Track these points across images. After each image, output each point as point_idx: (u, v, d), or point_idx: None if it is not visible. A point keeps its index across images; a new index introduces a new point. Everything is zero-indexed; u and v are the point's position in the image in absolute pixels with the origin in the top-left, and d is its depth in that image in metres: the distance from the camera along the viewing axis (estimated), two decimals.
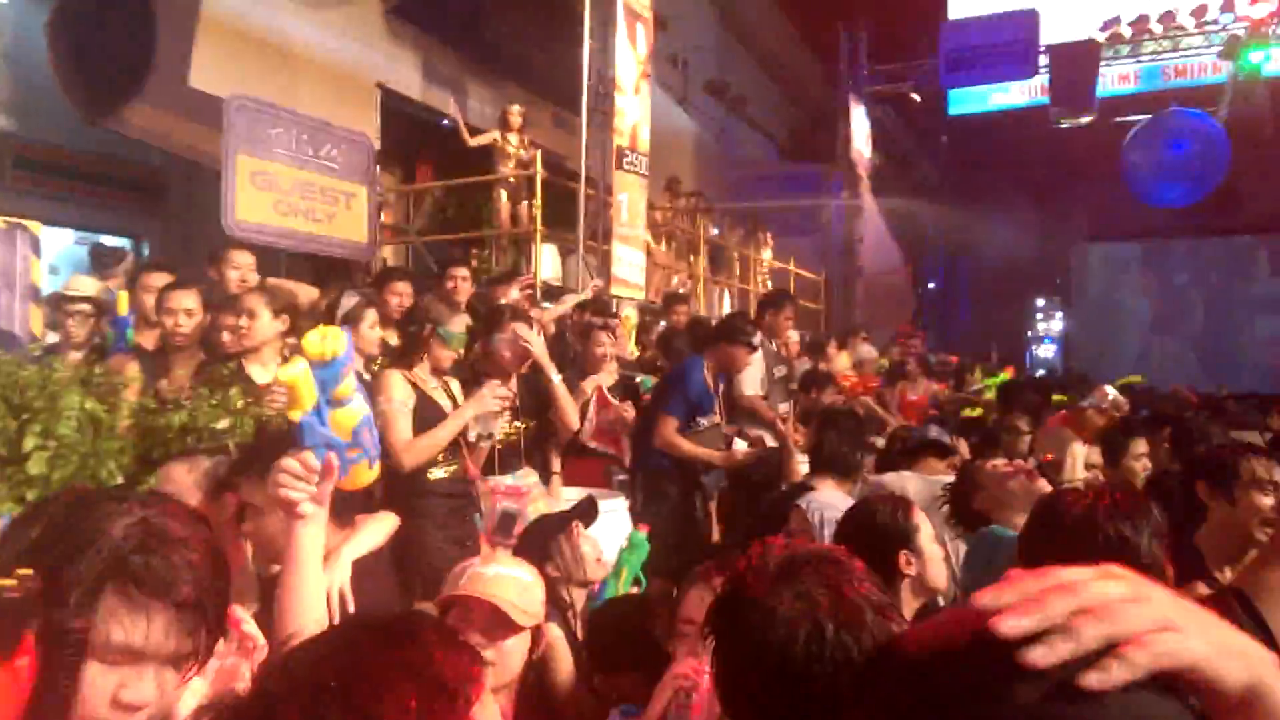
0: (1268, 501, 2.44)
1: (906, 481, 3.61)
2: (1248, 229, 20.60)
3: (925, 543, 2.33)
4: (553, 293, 8.19)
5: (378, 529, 2.52)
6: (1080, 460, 3.77)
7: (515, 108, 8.26)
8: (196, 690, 1.16)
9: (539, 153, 8.09)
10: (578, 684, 2.17)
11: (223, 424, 2.82)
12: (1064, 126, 14.47)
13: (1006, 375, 9.05)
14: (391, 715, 0.72)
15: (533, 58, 9.82)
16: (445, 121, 9.62)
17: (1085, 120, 13.71)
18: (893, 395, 8.08)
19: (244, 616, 1.34)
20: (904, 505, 2.36)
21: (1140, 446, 3.79)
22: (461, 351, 3.50)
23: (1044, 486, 2.69)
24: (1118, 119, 14.01)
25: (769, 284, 12.63)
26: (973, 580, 2.59)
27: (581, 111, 8.23)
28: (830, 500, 2.97)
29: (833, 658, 1.05)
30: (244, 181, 6.16)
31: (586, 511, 2.82)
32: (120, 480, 2.56)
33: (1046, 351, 29.86)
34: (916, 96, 15.81)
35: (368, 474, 1.51)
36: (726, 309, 11.88)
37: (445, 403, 3.37)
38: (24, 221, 5.71)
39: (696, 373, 4.55)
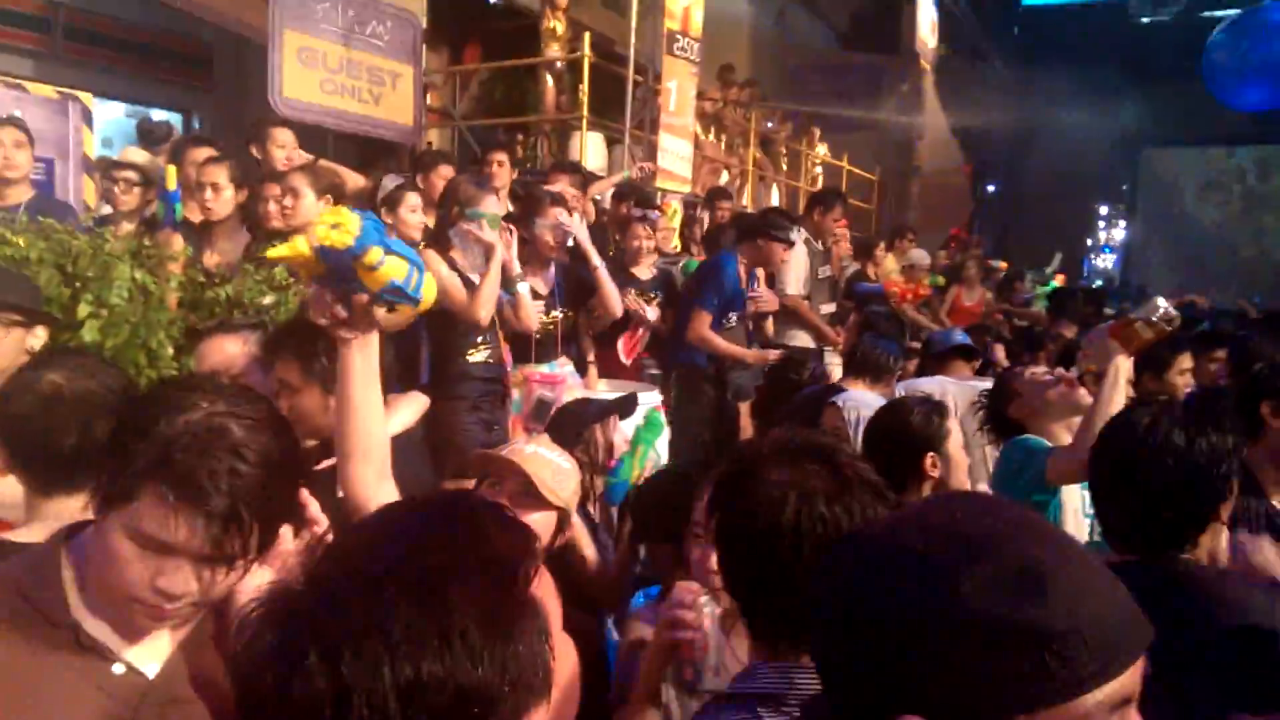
0: None
1: (946, 386, 3.60)
2: None
3: (953, 449, 2.34)
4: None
5: (409, 409, 2.60)
6: (1123, 374, 3.71)
7: None
8: (263, 577, 1.19)
9: (587, 35, 7.85)
10: (596, 571, 2.24)
11: (268, 299, 2.88)
12: (1145, 22, 13.64)
13: (1057, 283, 8.84)
14: (458, 599, 0.70)
15: None
16: (492, 1, 9.38)
17: (1168, 16, 12.86)
18: (941, 301, 7.96)
19: (309, 500, 1.34)
20: (938, 409, 2.37)
21: (1185, 362, 3.71)
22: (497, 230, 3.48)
23: (1084, 397, 2.66)
24: (1203, 13, 13.14)
25: (820, 181, 12.33)
26: (1000, 489, 2.61)
27: None
28: (865, 399, 2.98)
29: (821, 528, 1.05)
30: (291, 58, 6.10)
31: (626, 406, 2.87)
32: (170, 350, 2.64)
33: (1105, 261, 29.03)
34: None
35: (411, 313, 1.61)
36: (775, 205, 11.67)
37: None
38: (76, 92, 5.77)
39: (730, 267, 4.53)
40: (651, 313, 4.58)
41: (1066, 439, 2.59)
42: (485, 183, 3.66)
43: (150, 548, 1.07)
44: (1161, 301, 3.83)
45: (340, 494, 1.56)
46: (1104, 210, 27.53)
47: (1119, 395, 3.16)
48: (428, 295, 1.54)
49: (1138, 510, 1.59)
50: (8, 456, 1.51)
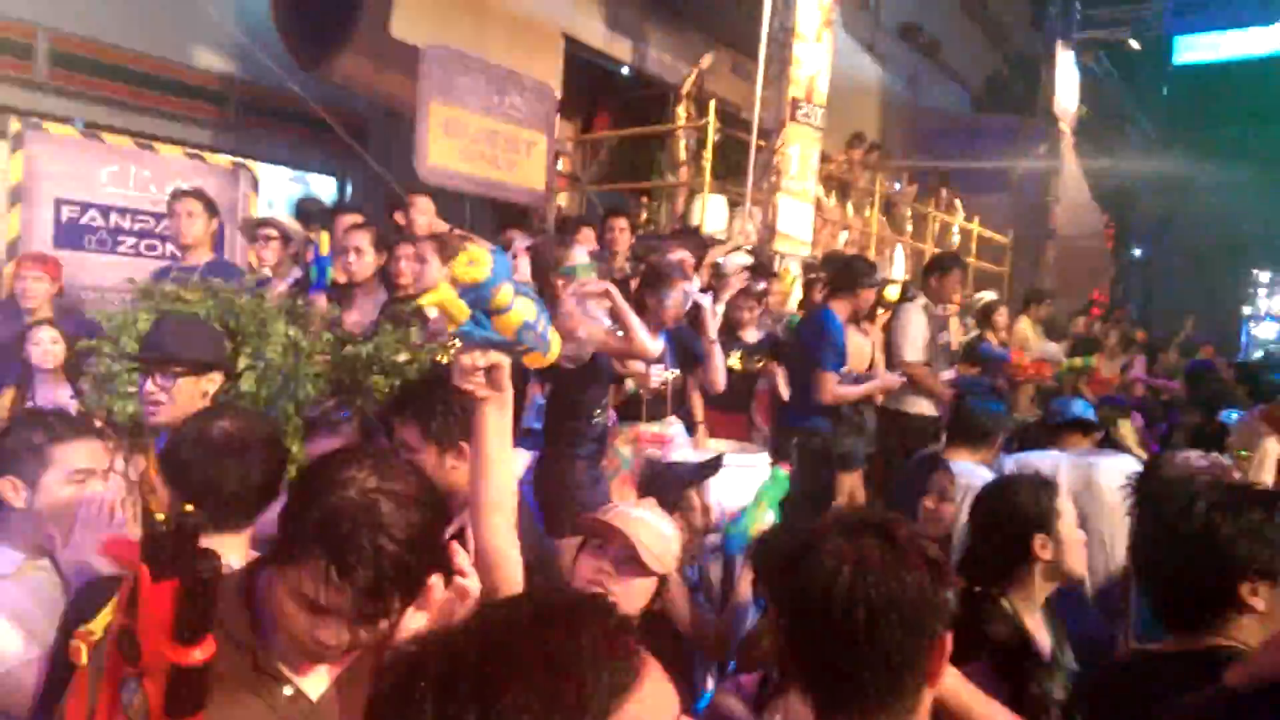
0: None
1: (1060, 462, 3.50)
2: None
3: (1065, 529, 2.30)
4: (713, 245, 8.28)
5: (515, 463, 2.75)
6: (1271, 457, 3.51)
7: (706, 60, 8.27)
8: (420, 620, 1.30)
9: (713, 103, 8.09)
10: (695, 631, 2.30)
11: (402, 357, 3.12)
12: None
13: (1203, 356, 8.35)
14: (566, 699, 0.76)
15: (715, 3, 9.78)
16: (625, 70, 9.78)
17: None
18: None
19: (458, 551, 1.42)
20: (1047, 489, 2.32)
21: None
22: (594, 275, 3.60)
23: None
24: None
25: (950, 244, 12.11)
26: None
27: (759, 60, 8.14)
28: (967, 470, 2.95)
29: (875, 602, 1.06)
30: (436, 127, 6.52)
31: (713, 465, 2.94)
32: (313, 399, 2.90)
33: (1267, 331, 27.13)
34: (1135, 44, 14.47)
35: (543, 360, 1.65)
36: (899, 269, 11.53)
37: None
38: (245, 161, 6.38)
39: (834, 323, 4.60)
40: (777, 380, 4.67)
41: None
42: (567, 239, 3.82)
43: (306, 607, 1.23)
44: None
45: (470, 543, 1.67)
46: (1265, 277, 25.79)
47: (1267, 479, 3.01)
48: (555, 344, 1.64)
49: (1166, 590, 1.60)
50: (177, 496, 1.71)
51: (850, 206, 10.43)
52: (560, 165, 9.30)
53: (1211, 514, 1.65)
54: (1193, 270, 20.69)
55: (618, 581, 1.96)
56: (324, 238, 4.05)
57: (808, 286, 6.61)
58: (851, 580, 1.10)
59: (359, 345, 3.07)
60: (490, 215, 7.85)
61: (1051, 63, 13.92)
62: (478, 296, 1.51)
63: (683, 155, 8.73)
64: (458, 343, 1.57)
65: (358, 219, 4.26)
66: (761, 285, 5.23)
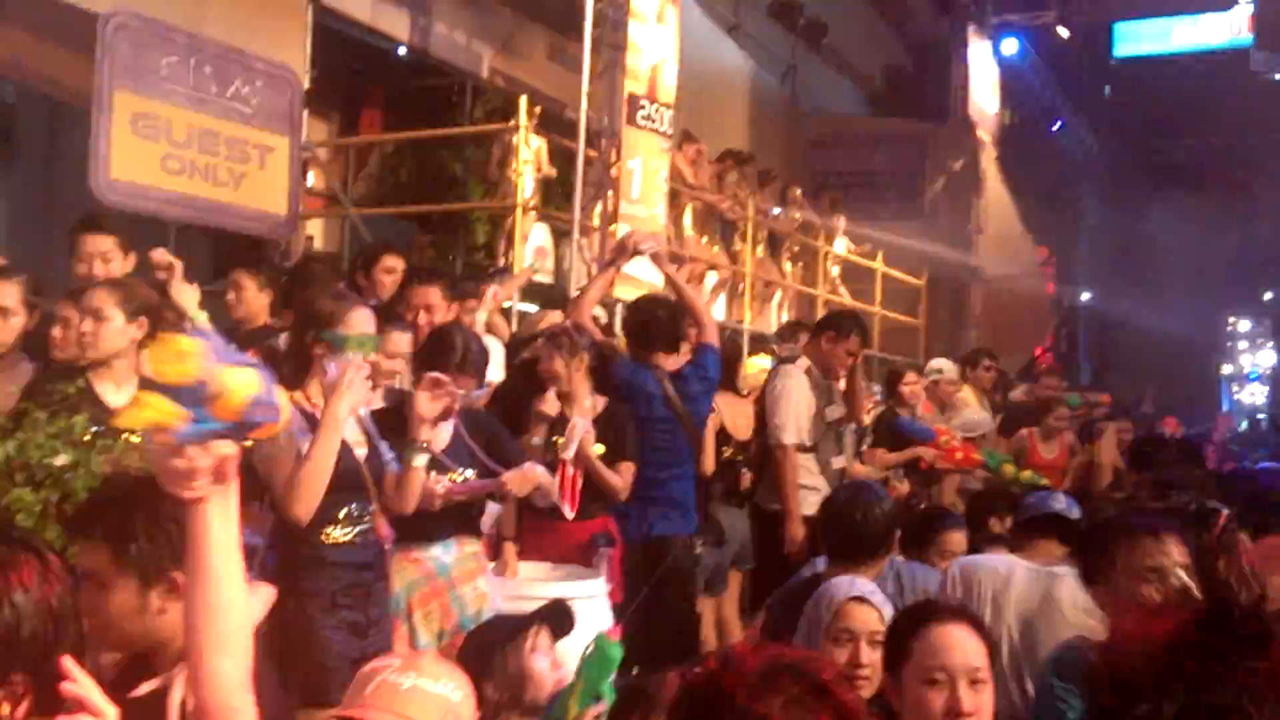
0: None
1: (1013, 569, 3.56)
2: None
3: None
4: (539, 291, 8.42)
5: (255, 602, 2.70)
6: None
7: None
8: None
9: (524, 98, 8.31)
10: None
11: (61, 459, 3.03)
12: (1276, 79, 14.52)
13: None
14: None
15: None
16: (402, 51, 9.90)
17: None
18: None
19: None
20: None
21: None
22: (374, 356, 3.61)
23: None
24: None
25: (840, 289, 12.74)
26: None
27: (584, 45, 8.44)
28: (849, 588, 3.09)
29: None
30: (122, 127, 6.37)
31: (554, 619, 2.98)
32: None
33: (1254, 395, 29.44)
34: (1065, 31, 15.87)
35: (275, 429, 1.71)
36: (783, 318, 12.04)
37: (354, 437, 3.53)
38: None
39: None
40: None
41: None
42: (348, 295, 3.81)
43: None
44: None
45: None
46: (1245, 326, 28.24)
47: None
48: (285, 408, 1.71)
49: None
50: None
51: (711, 237, 10.80)
52: (311, 180, 9.24)
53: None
54: (1155, 318, 22.40)
55: None
56: None
57: None
58: None
59: None
60: (207, 251, 7.69)
61: (964, 54, 15.04)
62: (193, 393, 1.57)
63: (494, 168, 8.89)
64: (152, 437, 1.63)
65: None
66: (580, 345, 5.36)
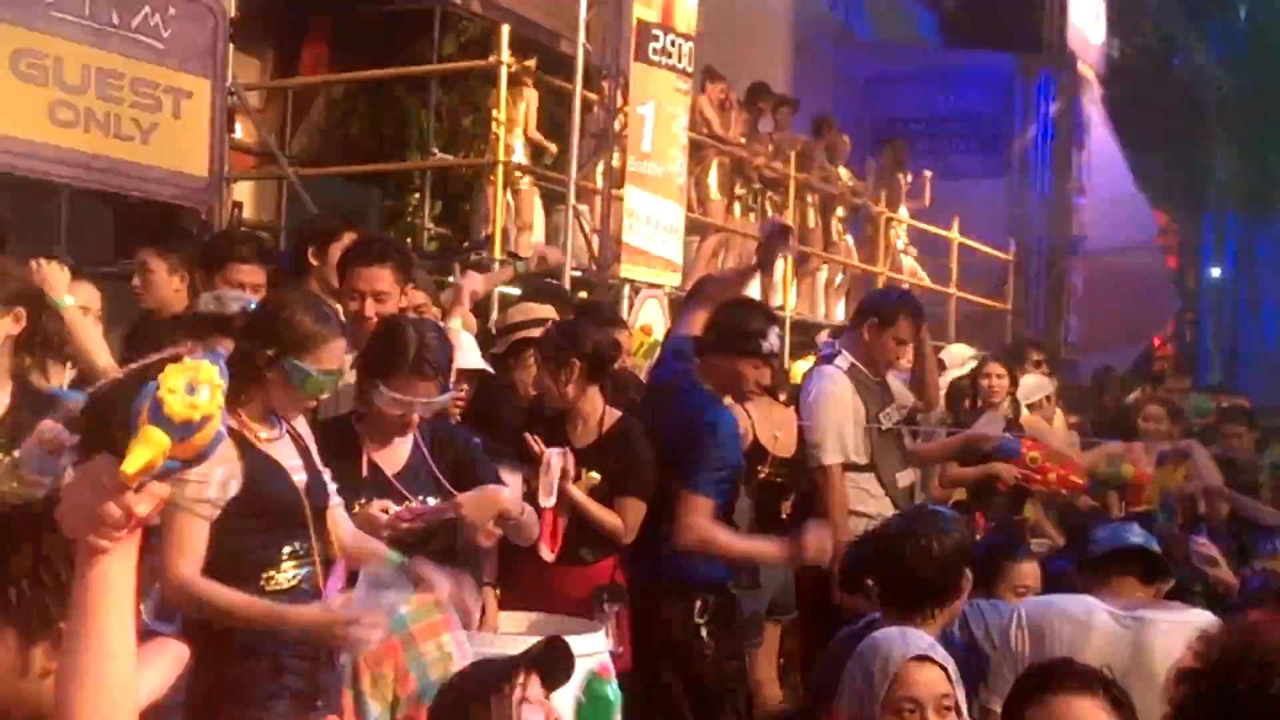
0: None
1: (1093, 613, 3.62)
2: None
3: None
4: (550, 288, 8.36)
5: (159, 665, 2.67)
6: None
7: None
8: None
9: (506, 28, 8.25)
10: None
11: None
12: None
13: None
14: None
15: None
16: None
17: None
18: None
19: None
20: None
21: None
22: (322, 397, 3.62)
23: None
24: None
25: (907, 264, 12.67)
26: None
27: None
28: (900, 642, 3.06)
29: None
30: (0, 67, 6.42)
31: (547, 662, 2.94)
32: None
33: None
34: None
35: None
36: (840, 310, 11.99)
37: (291, 461, 3.50)
38: None
39: (727, 423, 4.68)
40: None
41: None
42: (332, 319, 3.75)
43: None
44: None
45: None
46: None
47: None
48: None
49: None
50: None
51: (744, 202, 10.74)
52: (239, 133, 9.22)
53: None
54: None
55: None
56: None
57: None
58: None
59: None
60: (107, 223, 7.67)
61: None
62: (188, 427, 1.64)
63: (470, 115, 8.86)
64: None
65: None
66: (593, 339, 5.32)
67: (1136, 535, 4.20)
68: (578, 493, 4.61)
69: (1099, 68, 15.35)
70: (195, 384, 1.63)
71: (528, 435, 4.71)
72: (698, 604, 4.72)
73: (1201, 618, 3.38)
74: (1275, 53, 20.00)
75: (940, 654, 2.91)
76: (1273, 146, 21.11)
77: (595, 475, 4.67)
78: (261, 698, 3.35)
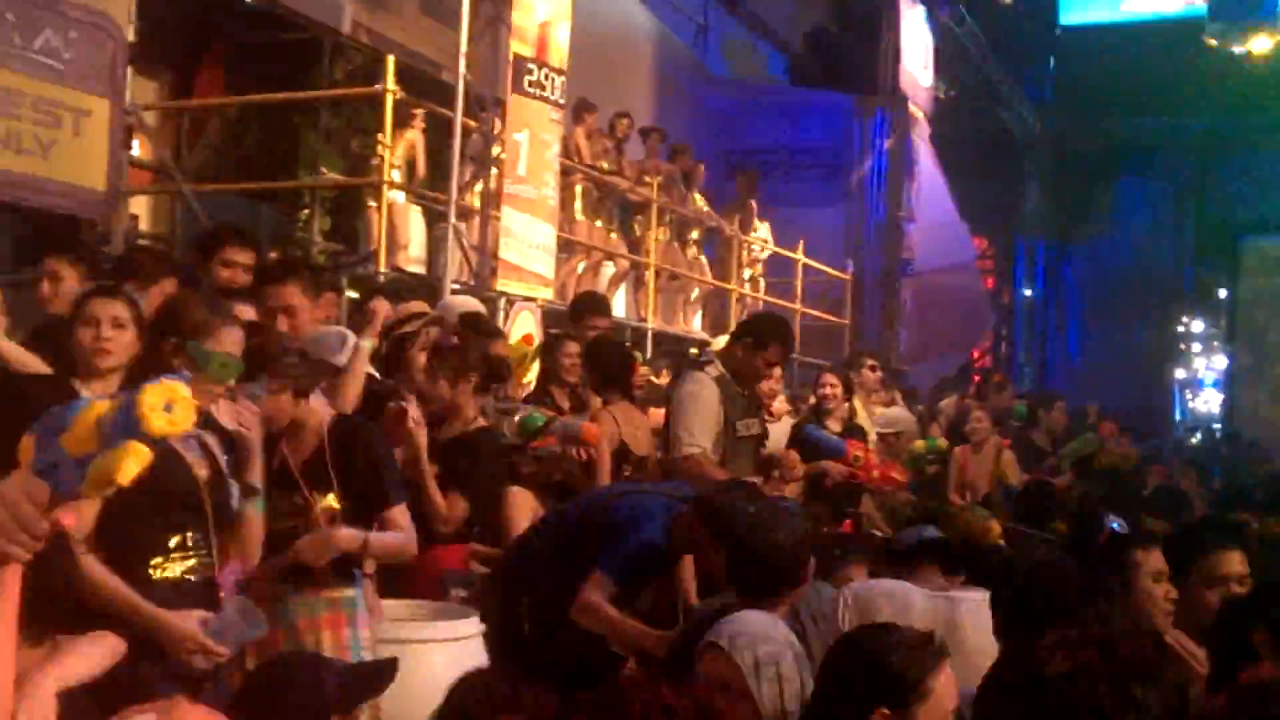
0: None
1: (910, 595, 3.73)
2: None
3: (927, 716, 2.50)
4: (408, 286, 8.27)
5: (92, 652, 2.58)
6: None
7: None
8: None
9: (391, 58, 8.16)
10: None
11: None
12: (1235, 52, 14.97)
13: (1088, 440, 9.34)
14: None
15: None
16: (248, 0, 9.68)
17: (1261, 46, 14.21)
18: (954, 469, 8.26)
19: None
20: (926, 657, 2.57)
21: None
22: (232, 383, 3.52)
23: None
24: None
25: (761, 283, 12.78)
26: None
27: None
28: (757, 630, 3.05)
29: None
30: None
31: (374, 677, 2.88)
32: None
33: (1208, 404, 30.33)
34: None
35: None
36: (697, 322, 12.04)
37: (193, 454, 3.40)
38: None
39: (654, 524, 4.23)
40: None
41: None
42: (223, 307, 3.71)
43: None
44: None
45: None
46: (1199, 327, 29.09)
47: None
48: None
49: None
50: None
51: (612, 226, 10.74)
52: (137, 150, 9.01)
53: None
54: (1104, 318, 23.03)
55: None
56: None
57: (547, 351, 6.70)
58: None
59: None
60: (7, 233, 7.42)
61: (895, 19, 15.24)
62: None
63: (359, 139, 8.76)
64: None
65: None
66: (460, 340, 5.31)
67: (931, 532, 4.48)
68: (426, 465, 4.66)
69: (927, 108, 15.66)
70: (172, 403, 1.75)
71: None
72: None
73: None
74: (1078, 99, 20.62)
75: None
76: (1074, 183, 21.81)
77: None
78: (146, 682, 3.23)
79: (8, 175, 6.81)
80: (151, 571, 3.30)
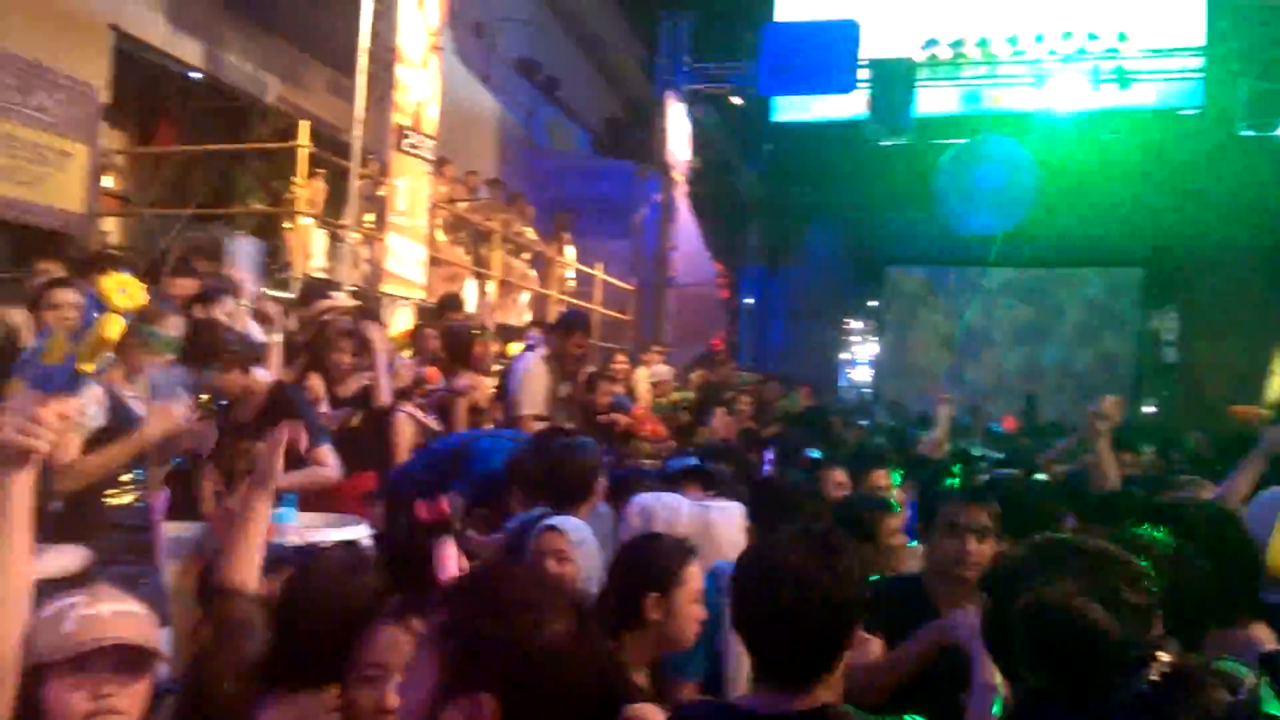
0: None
1: (680, 504, 3.67)
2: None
3: (683, 597, 2.43)
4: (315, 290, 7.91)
5: (60, 565, 2.36)
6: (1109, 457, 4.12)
7: None
8: None
9: (306, 123, 7.78)
10: None
11: None
12: (885, 145, 15.54)
13: (792, 399, 9.64)
14: None
15: (307, 10, 9.44)
16: (197, 76, 9.10)
17: (903, 140, 14.78)
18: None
19: None
20: (680, 553, 2.51)
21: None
22: (169, 356, 3.29)
23: None
24: (934, 140, 15.17)
25: (570, 289, 12.75)
26: None
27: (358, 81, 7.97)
28: (574, 521, 3.01)
29: None
30: None
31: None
32: None
33: (863, 374, 31.81)
34: (738, 99, 16.44)
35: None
36: (526, 317, 11.89)
37: (143, 411, 3.16)
38: None
39: (498, 459, 4.09)
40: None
41: None
42: (167, 299, 3.48)
43: None
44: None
45: None
46: (857, 325, 30.40)
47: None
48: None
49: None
50: None
51: (463, 246, 10.53)
52: (109, 183, 8.46)
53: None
54: (796, 319, 23.89)
55: (127, 695, 1.69)
56: None
57: (418, 336, 6.55)
58: None
59: None
60: (6, 242, 6.86)
61: (663, 111, 15.35)
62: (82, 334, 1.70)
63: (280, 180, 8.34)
64: None
65: None
66: (367, 325, 5.14)
67: (693, 461, 4.46)
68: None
69: (685, 174, 15.82)
70: (124, 285, 1.74)
71: None
72: None
73: (739, 507, 3.45)
74: (783, 172, 21.20)
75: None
76: (779, 228, 22.53)
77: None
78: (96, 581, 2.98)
79: (7, 200, 6.47)
80: (105, 500, 3.08)
